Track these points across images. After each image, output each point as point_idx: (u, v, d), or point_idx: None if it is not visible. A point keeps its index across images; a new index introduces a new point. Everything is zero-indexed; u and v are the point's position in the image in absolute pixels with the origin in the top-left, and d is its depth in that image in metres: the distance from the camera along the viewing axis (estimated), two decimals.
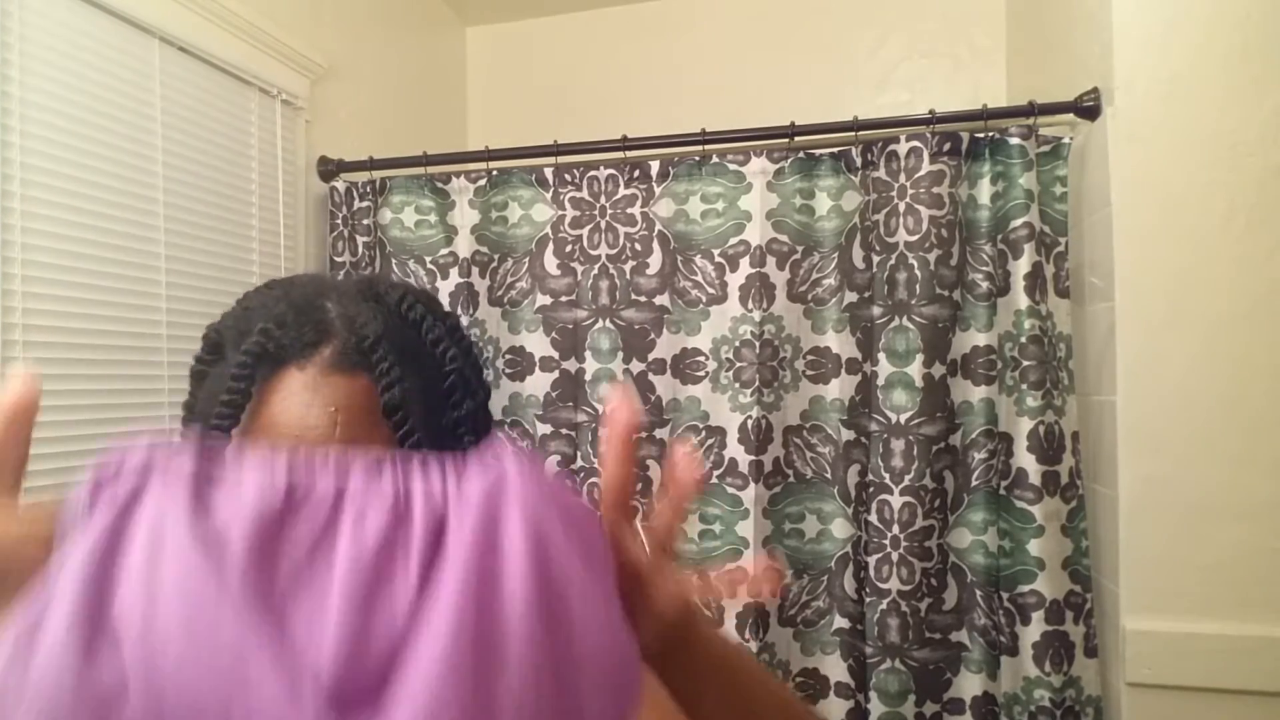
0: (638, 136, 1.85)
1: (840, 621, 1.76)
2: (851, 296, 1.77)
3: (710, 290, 1.81)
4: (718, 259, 1.80)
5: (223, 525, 0.33)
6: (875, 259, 1.72)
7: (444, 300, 1.94)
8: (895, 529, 1.66)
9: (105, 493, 0.35)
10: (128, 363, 1.49)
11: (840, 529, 1.77)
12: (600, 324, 1.86)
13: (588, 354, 1.86)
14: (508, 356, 1.93)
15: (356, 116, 2.18)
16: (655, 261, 1.84)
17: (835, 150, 1.78)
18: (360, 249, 1.98)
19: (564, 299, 1.89)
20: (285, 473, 0.34)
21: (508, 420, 1.92)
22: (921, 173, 1.66)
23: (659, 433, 1.83)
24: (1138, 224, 1.53)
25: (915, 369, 1.66)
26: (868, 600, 1.69)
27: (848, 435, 1.77)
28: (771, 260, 1.78)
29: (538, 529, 0.35)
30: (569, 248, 1.89)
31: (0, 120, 1.28)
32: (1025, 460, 1.61)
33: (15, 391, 0.42)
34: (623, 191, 1.86)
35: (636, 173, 1.85)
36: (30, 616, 0.32)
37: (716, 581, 0.50)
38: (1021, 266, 1.63)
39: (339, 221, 2.00)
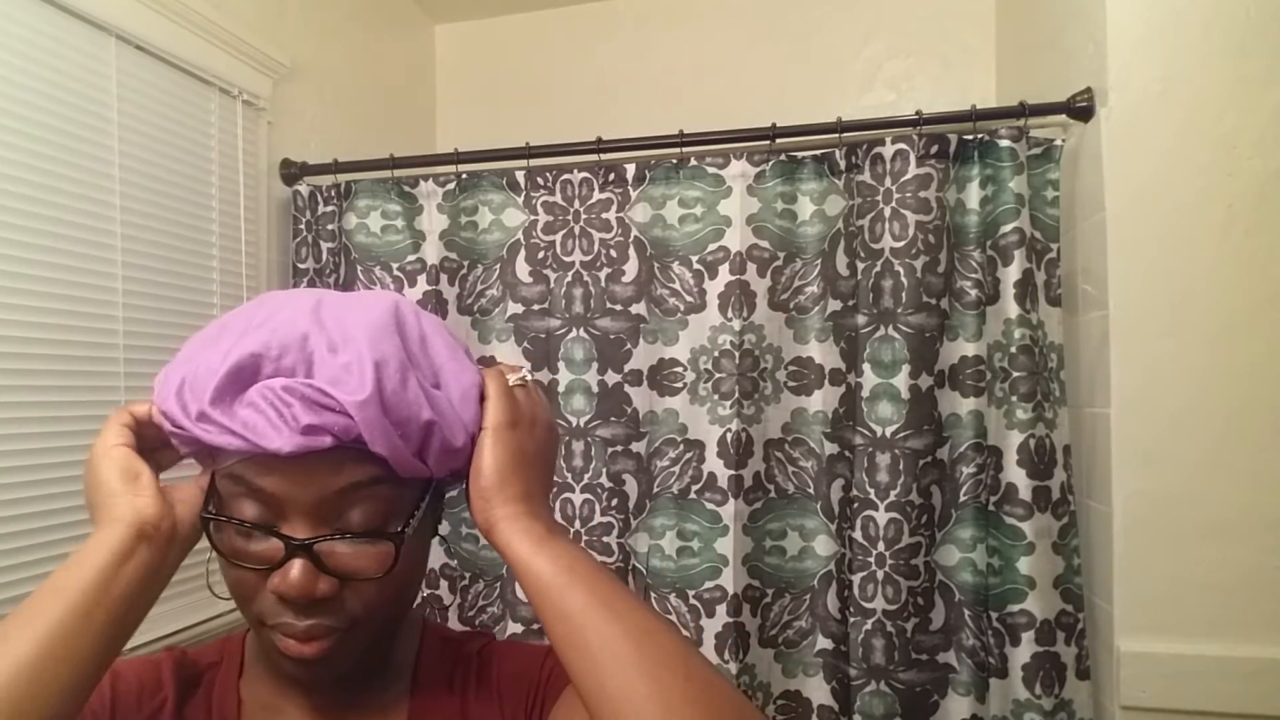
0: (613, 138, 1.80)
1: (823, 642, 1.71)
2: (835, 305, 1.72)
3: (688, 298, 1.76)
4: (696, 266, 1.76)
5: None
6: (860, 266, 1.68)
7: None
8: (880, 546, 1.62)
9: None
10: (81, 373, 1.45)
11: (823, 546, 1.73)
12: (574, 333, 1.81)
13: (561, 364, 1.81)
14: None
15: (321, 118, 2.13)
16: (631, 268, 1.79)
17: (818, 153, 1.73)
18: (324, 255, 1.93)
19: (536, 307, 1.84)
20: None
21: None
22: (908, 176, 1.62)
23: (635, 446, 1.77)
24: (1133, 229, 1.49)
25: (901, 380, 1.62)
26: (852, 620, 1.65)
27: (831, 449, 1.72)
28: (752, 267, 1.73)
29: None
30: (541, 254, 1.84)
31: None
32: (1015, 475, 1.57)
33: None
34: (597, 195, 1.81)
35: (612, 176, 1.80)
36: None
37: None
38: (1011, 274, 1.59)
39: (302, 227, 1.95)
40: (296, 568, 0.58)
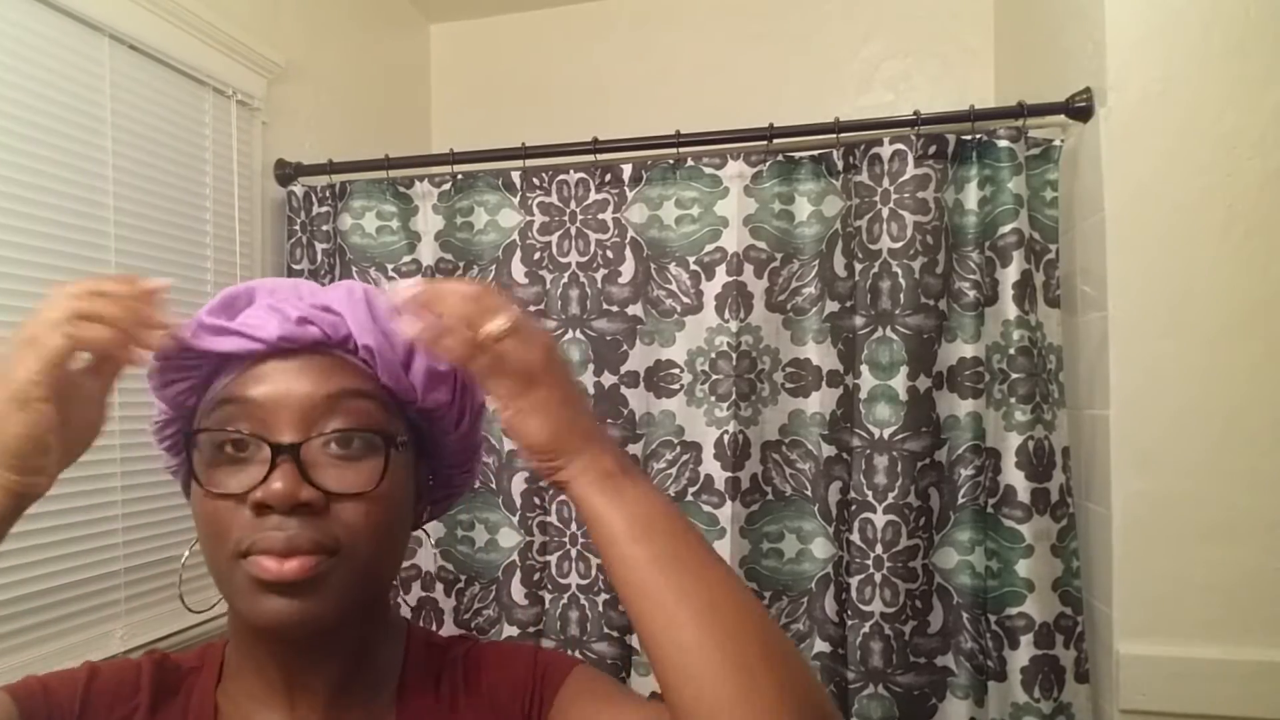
0: (609, 139, 1.79)
1: (821, 645, 1.70)
2: (833, 306, 1.71)
3: (685, 300, 1.75)
4: (693, 267, 1.74)
5: None
6: (858, 267, 1.67)
7: None
8: (878, 549, 1.61)
9: None
10: None
11: (821, 549, 1.71)
12: (570, 335, 1.80)
13: None
14: None
15: (315, 118, 2.12)
16: (628, 270, 1.77)
17: (816, 153, 1.72)
18: (319, 256, 1.92)
19: (532, 308, 1.83)
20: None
21: None
22: (906, 176, 1.61)
23: (632, 448, 1.76)
24: (1132, 230, 1.48)
25: (899, 382, 1.61)
26: (849, 623, 1.64)
27: (829, 451, 1.71)
28: (749, 268, 1.72)
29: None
30: (537, 255, 1.83)
31: None
32: (1014, 477, 1.56)
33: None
34: (594, 196, 1.80)
35: (608, 177, 1.79)
36: None
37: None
38: (1010, 275, 1.58)
39: (297, 228, 1.94)
40: (279, 473, 0.57)
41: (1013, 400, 1.57)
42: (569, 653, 1.74)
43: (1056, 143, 1.64)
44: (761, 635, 0.54)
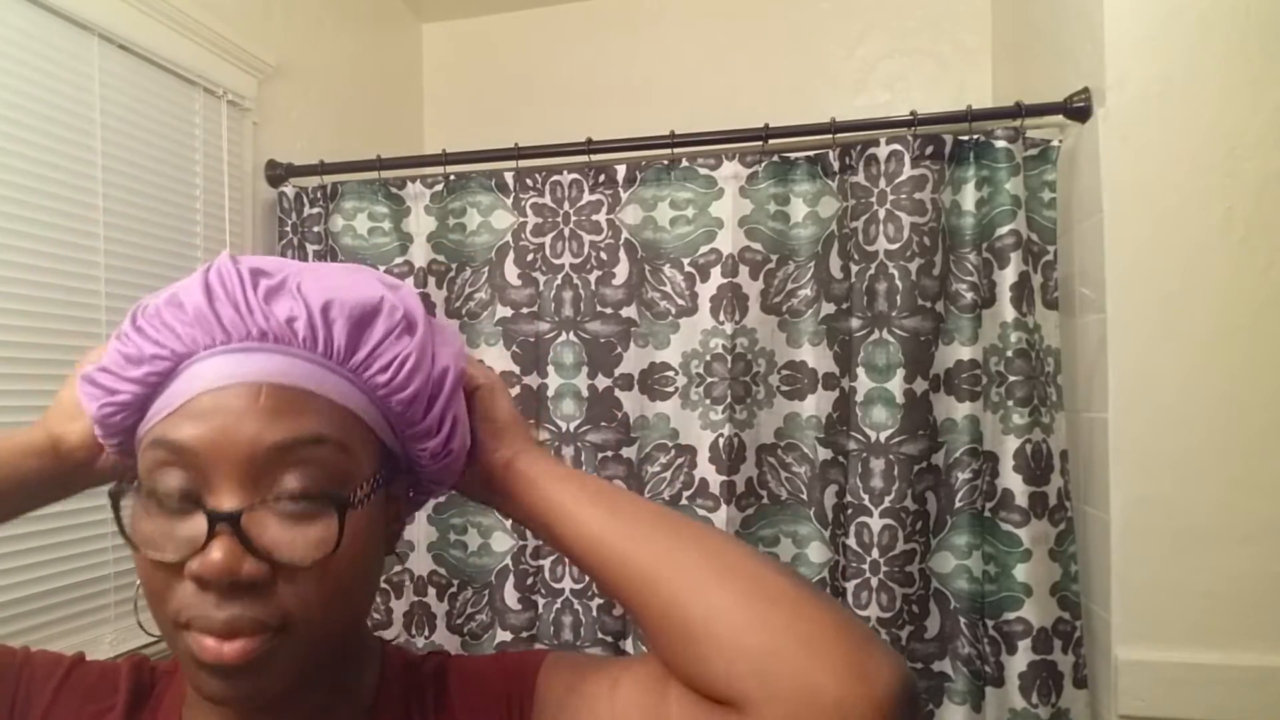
0: (603, 139, 1.78)
1: None
2: (829, 308, 1.70)
3: (680, 301, 1.73)
4: (687, 268, 1.73)
5: None
6: (854, 268, 1.65)
7: None
8: (875, 553, 1.60)
9: None
10: (65, 378, 1.41)
11: (817, 553, 1.70)
12: (564, 337, 1.78)
13: (550, 368, 1.79)
14: None
15: (307, 118, 2.11)
16: (622, 271, 1.76)
17: (811, 153, 1.71)
18: (310, 258, 1.91)
19: (525, 311, 1.82)
20: None
21: None
22: (902, 177, 1.60)
23: (625, 452, 1.75)
24: (1130, 231, 1.47)
25: (896, 384, 1.60)
26: None
27: (825, 454, 1.70)
28: (744, 270, 1.71)
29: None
30: (530, 257, 1.82)
31: None
32: (1011, 481, 1.55)
33: None
34: (587, 197, 1.78)
35: (602, 177, 1.78)
36: None
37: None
38: (1008, 276, 1.57)
39: (288, 229, 1.93)
40: (218, 544, 0.51)
41: (1010, 403, 1.56)
42: None
43: (1054, 143, 1.63)
44: (744, 556, 0.57)
